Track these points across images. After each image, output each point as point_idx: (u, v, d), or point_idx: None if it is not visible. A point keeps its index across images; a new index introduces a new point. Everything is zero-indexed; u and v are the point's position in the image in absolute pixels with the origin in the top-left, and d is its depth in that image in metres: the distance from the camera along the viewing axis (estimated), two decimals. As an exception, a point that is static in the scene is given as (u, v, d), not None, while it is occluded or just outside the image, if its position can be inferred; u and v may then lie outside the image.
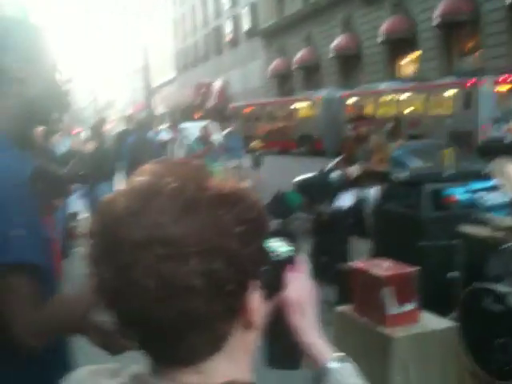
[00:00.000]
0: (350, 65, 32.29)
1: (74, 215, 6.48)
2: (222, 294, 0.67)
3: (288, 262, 0.84)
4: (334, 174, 7.97)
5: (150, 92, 34.86)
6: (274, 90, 39.62)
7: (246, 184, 0.89)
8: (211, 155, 8.63)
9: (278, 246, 0.83)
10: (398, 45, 27.53)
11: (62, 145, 6.46)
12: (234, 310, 0.70)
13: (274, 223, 1.19)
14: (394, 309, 3.16)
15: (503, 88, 17.37)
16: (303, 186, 9.40)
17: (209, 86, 48.63)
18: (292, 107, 26.65)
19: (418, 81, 23.18)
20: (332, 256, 5.54)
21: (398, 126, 7.23)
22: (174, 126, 16.65)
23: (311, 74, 36.36)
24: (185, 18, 57.65)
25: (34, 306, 1.17)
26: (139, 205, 0.67)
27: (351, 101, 23.07)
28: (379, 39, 27.80)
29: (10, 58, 1.25)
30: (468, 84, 17.58)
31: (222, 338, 0.70)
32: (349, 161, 7.29)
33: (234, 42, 46.61)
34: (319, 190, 8.40)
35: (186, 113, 39.51)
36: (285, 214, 8.84)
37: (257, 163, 9.47)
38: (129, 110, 66.95)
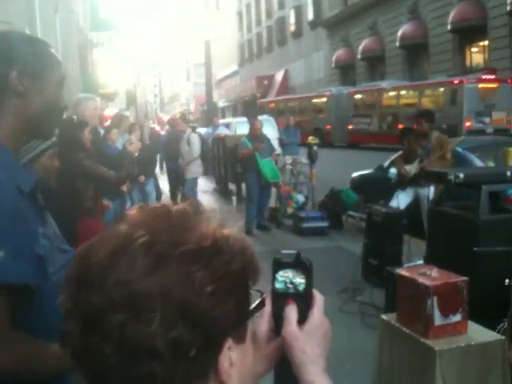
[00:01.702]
0: (416, 54, 31.32)
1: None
2: (186, 359, 0.64)
3: (299, 295, 0.81)
4: (393, 171, 7.78)
5: (213, 85, 35.22)
6: (337, 81, 39.07)
7: (232, 231, 0.83)
8: (262, 151, 8.57)
9: (291, 278, 0.81)
10: (468, 33, 26.42)
11: (119, 143, 6.60)
12: (201, 374, 0.66)
13: (287, 254, 1.16)
14: (439, 319, 3.04)
15: (486, 85, 20.36)
16: (359, 183, 9.24)
17: (271, 78, 48.67)
18: (308, 102, 29.87)
19: (487, 71, 22.51)
20: (383, 258, 5.41)
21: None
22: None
23: (375, 65, 35.59)
24: (249, 9, 57.81)
25: None
26: (109, 259, 0.65)
27: (358, 96, 26.55)
28: (448, 27, 26.78)
29: (12, 72, 1.26)
30: (454, 82, 20.61)
31: None
32: (407, 158, 7.08)
33: (298, 33, 46.29)
34: (375, 188, 8.23)
35: (247, 106, 39.59)
36: (339, 211, 8.74)
37: (312, 158, 9.36)
38: (191, 103, 68.27)
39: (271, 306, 0.81)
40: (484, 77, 20.92)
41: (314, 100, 30.30)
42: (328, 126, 27.68)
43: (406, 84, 25.34)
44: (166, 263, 0.64)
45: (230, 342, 0.69)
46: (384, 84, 26.37)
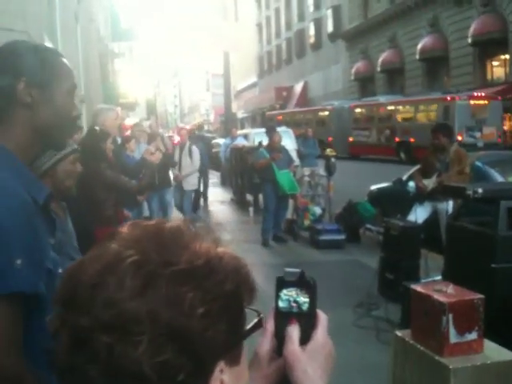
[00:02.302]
0: (436, 67, 31.20)
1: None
2: (174, 383, 0.62)
3: (303, 315, 0.79)
4: (412, 185, 7.72)
5: (232, 96, 35.53)
6: (356, 94, 39.03)
7: (227, 249, 0.81)
8: (279, 162, 8.56)
9: (295, 297, 0.79)
10: (488, 46, 26.27)
11: (137, 152, 6.67)
12: None
13: (291, 272, 1.14)
14: (455, 337, 3.00)
15: (477, 101, 22.25)
16: (377, 196, 9.19)
17: (290, 89, 48.79)
18: (312, 115, 31.58)
19: (508, 85, 22.61)
20: (400, 273, 5.36)
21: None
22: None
23: (395, 77, 35.52)
24: (269, 21, 58.16)
25: (7, 348, 1.13)
26: (97, 279, 0.63)
27: (357, 110, 28.64)
28: (468, 40, 26.64)
29: (19, 83, 1.25)
30: (447, 99, 22.44)
31: None
32: (426, 172, 7.02)
33: (317, 45, 46.44)
34: (393, 201, 8.17)
35: (266, 117, 39.83)
36: (356, 225, 8.69)
37: (330, 171, 9.34)
38: (211, 113, 68.65)
39: (274, 325, 0.80)
40: (475, 94, 22.81)
41: (318, 113, 32.00)
42: (330, 138, 28.50)
43: (402, 99, 27.18)
44: (155, 283, 0.62)
45: (221, 365, 0.67)
46: (382, 99, 28.32)
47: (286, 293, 0.79)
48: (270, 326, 0.79)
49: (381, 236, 6.88)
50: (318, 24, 45.69)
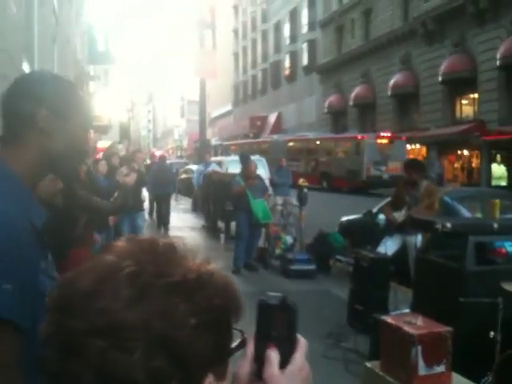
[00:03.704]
0: (406, 104, 31.97)
1: None
2: None
3: (281, 339, 0.78)
4: (382, 217, 7.83)
5: (207, 123, 35.96)
6: (329, 126, 39.65)
7: (216, 267, 0.85)
8: (254, 190, 8.59)
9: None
10: (458, 85, 27.07)
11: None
12: None
13: (272, 296, 1.14)
14: (423, 369, 3.03)
15: (383, 141, 26.27)
16: (348, 228, 9.28)
17: (264, 119, 49.29)
18: (257, 146, 34.90)
19: (476, 123, 23.49)
20: (369, 304, 5.39)
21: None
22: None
23: (367, 112, 36.22)
24: (245, 51, 58.97)
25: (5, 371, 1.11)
26: (94, 287, 0.66)
27: (290, 144, 32.68)
28: (438, 78, 27.44)
29: (40, 110, 1.29)
30: (358, 137, 26.85)
31: None
32: (396, 205, 7.14)
33: (292, 77, 47.19)
34: (363, 233, 8.26)
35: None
36: (326, 255, 8.74)
37: (302, 200, 9.41)
38: (184, 139, 68.67)
39: (254, 348, 0.79)
40: (381, 134, 27.19)
41: (261, 144, 35.40)
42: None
43: (324, 136, 32.14)
44: (149, 294, 0.65)
45: (210, 378, 0.69)
46: (310, 135, 32.92)
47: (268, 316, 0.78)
48: (249, 348, 0.79)
49: (351, 267, 6.93)
50: (294, 56, 46.54)
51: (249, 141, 40.49)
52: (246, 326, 0.79)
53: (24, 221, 1.22)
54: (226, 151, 34.65)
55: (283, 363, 0.79)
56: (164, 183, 13.10)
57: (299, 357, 0.80)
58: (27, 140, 1.31)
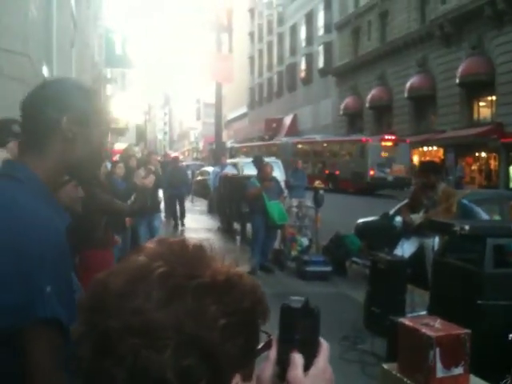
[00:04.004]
0: (423, 106, 31.76)
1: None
2: None
3: (304, 343, 0.80)
4: (398, 219, 7.79)
5: (222, 125, 36.14)
6: (345, 128, 39.52)
7: (244, 270, 0.87)
8: (269, 193, 8.60)
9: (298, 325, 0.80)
10: (475, 87, 26.85)
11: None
12: None
13: (295, 300, 1.14)
14: (441, 371, 3.01)
15: (387, 143, 27.20)
16: (364, 230, 9.24)
17: (280, 121, 49.28)
18: (266, 148, 35.63)
19: (494, 125, 23.45)
20: (386, 307, 5.36)
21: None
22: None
23: (383, 114, 36.06)
24: (261, 54, 59.03)
25: (55, 370, 1.15)
26: (127, 287, 0.67)
27: (298, 146, 33.39)
28: (456, 81, 27.23)
29: (64, 117, 1.32)
30: (363, 140, 27.53)
31: None
32: (413, 207, 7.10)
33: (308, 80, 47.13)
34: (380, 235, 8.23)
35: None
36: (343, 257, 8.72)
37: (318, 202, 9.39)
38: (200, 141, 68.89)
39: (277, 351, 0.81)
40: (386, 137, 27.86)
41: (271, 147, 36.25)
42: None
43: (331, 139, 32.83)
44: (180, 295, 0.67)
45: (237, 378, 0.70)
46: (318, 137, 33.67)
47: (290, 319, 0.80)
48: (272, 351, 0.81)
49: (367, 269, 6.90)
50: (310, 59, 46.49)
51: (259, 143, 41.26)
52: (265, 328, 0.80)
53: (61, 224, 1.26)
54: (237, 153, 35.24)
55: (306, 366, 0.80)
56: (178, 184, 13.31)
57: (322, 360, 0.82)
58: (50, 147, 1.33)
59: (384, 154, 26.64)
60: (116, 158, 9.08)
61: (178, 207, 13.78)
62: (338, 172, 28.74)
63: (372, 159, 26.53)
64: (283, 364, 0.80)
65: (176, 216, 13.82)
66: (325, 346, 0.83)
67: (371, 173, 26.39)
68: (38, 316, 1.13)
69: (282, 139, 37.81)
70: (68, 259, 1.27)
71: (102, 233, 4.14)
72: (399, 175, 26.34)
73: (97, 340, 0.66)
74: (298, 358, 0.80)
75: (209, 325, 0.66)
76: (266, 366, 0.81)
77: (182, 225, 13.86)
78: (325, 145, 31.74)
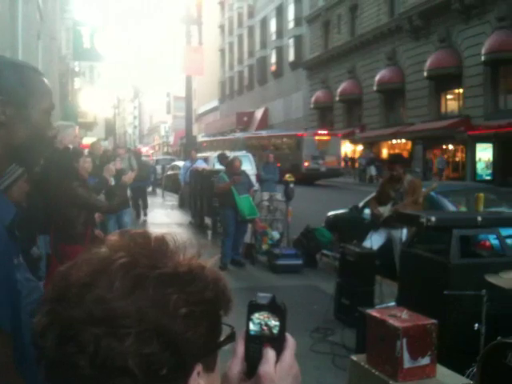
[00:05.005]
0: (392, 99, 32.15)
1: None
2: (157, 377, 0.66)
3: (273, 338, 0.80)
4: (367, 212, 7.87)
5: (193, 119, 36.09)
6: (316, 122, 39.73)
7: (210, 261, 0.84)
8: (239, 187, 8.58)
9: (266, 321, 0.80)
10: (443, 80, 27.26)
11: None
12: None
13: (263, 297, 1.15)
14: (408, 362, 3.06)
15: (321, 137, 30.62)
16: (334, 222, 9.31)
17: (251, 114, 49.28)
18: (223, 142, 37.08)
19: (461, 118, 23.92)
20: (355, 298, 5.42)
21: None
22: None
23: (353, 107, 36.36)
24: (232, 47, 58.82)
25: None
26: (89, 278, 0.68)
27: (248, 141, 35.11)
28: (424, 74, 27.60)
29: None
30: (299, 135, 30.82)
31: None
32: (381, 200, 7.17)
33: (278, 73, 47.16)
34: (350, 228, 8.30)
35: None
36: (314, 250, 8.77)
37: (289, 196, 9.42)
38: (171, 136, 68.47)
39: (244, 347, 0.81)
40: (319, 132, 31.80)
41: (227, 141, 37.69)
42: None
43: (273, 134, 35.35)
44: (143, 285, 0.68)
45: (199, 368, 0.72)
46: (263, 132, 36.51)
47: (257, 316, 0.80)
48: (240, 348, 0.81)
49: (337, 261, 6.96)
50: (280, 52, 46.52)
51: (217, 138, 43.10)
52: (233, 322, 0.80)
53: (6, 216, 1.17)
54: (200, 148, 36.18)
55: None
56: (139, 177, 13.27)
57: (288, 355, 0.82)
58: None
59: (318, 147, 29.83)
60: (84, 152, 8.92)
61: (140, 199, 14.13)
62: (278, 164, 29.44)
63: (306, 152, 29.50)
64: (252, 360, 0.80)
65: (139, 207, 14.15)
66: (291, 341, 0.83)
67: (305, 164, 29.34)
68: None
69: (234, 134, 40.90)
70: (8, 257, 1.15)
71: (81, 228, 4.12)
72: (332, 166, 29.87)
73: (60, 330, 0.67)
74: (270, 353, 0.80)
75: (170, 313, 0.67)
76: (234, 362, 0.81)
77: (145, 214, 14.19)
78: (270, 139, 34.19)
